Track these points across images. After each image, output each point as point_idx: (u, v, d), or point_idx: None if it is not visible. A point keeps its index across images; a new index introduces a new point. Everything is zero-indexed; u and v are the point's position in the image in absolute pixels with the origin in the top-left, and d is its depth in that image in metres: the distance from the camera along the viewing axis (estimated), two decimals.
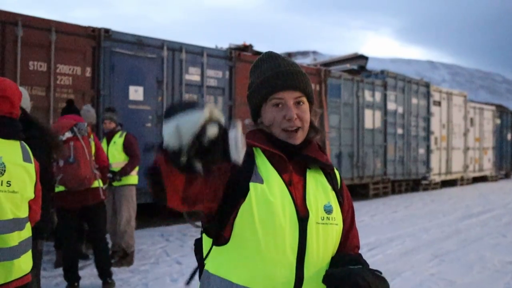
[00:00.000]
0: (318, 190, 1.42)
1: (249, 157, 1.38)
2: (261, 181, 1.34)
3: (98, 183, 4.45)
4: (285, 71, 1.42)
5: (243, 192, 1.32)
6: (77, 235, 4.84)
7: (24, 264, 2.13)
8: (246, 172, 1.34)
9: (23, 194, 2.15)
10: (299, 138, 1.41)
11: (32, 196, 2.22)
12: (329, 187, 1.44)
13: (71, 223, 4.50)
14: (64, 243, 4.53)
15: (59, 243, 5.49)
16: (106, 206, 4.98)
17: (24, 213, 2.17)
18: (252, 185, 1.33)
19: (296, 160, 1.43)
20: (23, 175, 2.14)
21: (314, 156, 1.44)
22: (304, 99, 1.43)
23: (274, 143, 1.42)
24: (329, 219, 1.38)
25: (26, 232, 2.18)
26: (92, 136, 4.53)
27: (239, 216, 1.31)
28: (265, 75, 1.43)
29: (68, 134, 4.17)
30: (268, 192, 1.33)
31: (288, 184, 1.38)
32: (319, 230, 1.36)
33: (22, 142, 2.23)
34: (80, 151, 4.19)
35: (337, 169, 1.56)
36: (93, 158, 4.48)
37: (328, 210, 1.40)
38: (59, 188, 4.30)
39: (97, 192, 4.44)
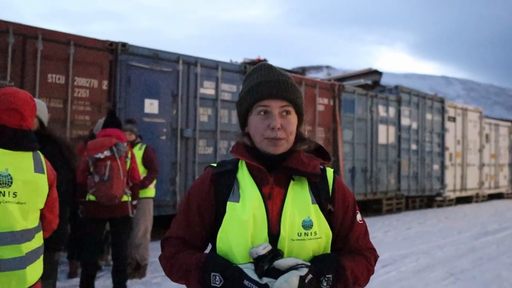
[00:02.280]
0: (297, 204, 1.40)
1: (231, 174, 1.45)
2: (237, 200, 1.39)
3: (127, 198, 4.53)
4: (273, 80, 1.41)
5: (224, 212, 1.39)
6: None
7: (30, 274, 2.11)
8: (225, 192, 1.42)
9: (31, 204, 2.15)
10: (280, 148, 1.39)
11: (42, 206, 2.22)
12: (310, 200, 1.41)
13: (97, 232, 4.60)
14: (87, 251, 4.58)
15: (72, 253, 5.54)
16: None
17: (32, 223, 2.17)
18: (229, 204, 1.39)
19: (278, 171, 1.41)
20: (33, 186, 2.15)
21: (296, 166, 1.40)
22: (291, 109, 1.42)
23: (254, 155, 1.42)
24: (307, 235, 1.37)
25: (36, 242, 2.18)
26: (129, 155, 4.62)
27: (219, 233, 1.38)
28: (253, 83, 1.43)
29: (107, 153, 4.32)
30: (242, 210, 1.37)
31: (268, 197, 1.39)
32: (293, 246, 1.36)
33: (37, 152, 2.25)
34: (116, 171, 4.33)
35: (334, 172, 1.53)
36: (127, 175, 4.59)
37: (306, 225, 1.38)
38: (90, 197, 4.44)
39: (125, 206, 4.53)
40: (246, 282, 1.25)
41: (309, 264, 1.31)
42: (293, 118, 1.42)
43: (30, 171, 2.17)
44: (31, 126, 2.30)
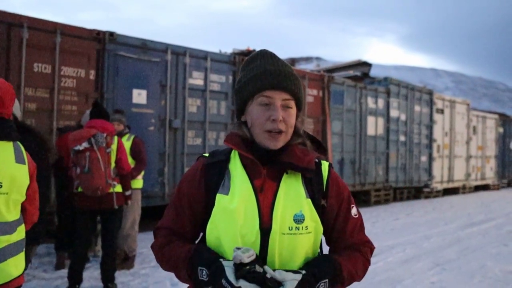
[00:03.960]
0: (289, 198, 1.36)
1: (222, 165, 1.42)
2: (227, 192, 1.37)
3: (113, 190, 4.49)
4: (277, 70, 1.37)
5: (213, 204, 1.38)
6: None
7: (12, 268, 2.06)
8: (216, 183, 1.39)
9: (13, 195, 2.09)
10: (280, 142, 1.36)
11: (23, 198, 2.17)
12: (303, 194, 1.38)
13: (87, 223, 4.59)
14: (76, 242, 4.57)
15: (60, 244, 5.50)
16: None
17: (14, 215, 2.11)
18: (218, 196, 1.37)
19: (271, 164, 1.38)
20: (14, 176, 2.09)
21: (290, 160, 1.37)
22: (293, 103, 1.38)
23: (249, 147, 1.39)
24: (298, 229, 1.34)
25: (17, 235, 2.12)
26: (113, 146, 4.55)
27: (208, 225, 1.37)
28: (256, 72, 1.38)
29: (85, 145, 4.29)
30: (231, 202, 1.35)
31: (260, 190, 1.36)
32: (284, 240, 1.33)
33: (17, 143, 2.17)
34: (95, 162, 4.29)
35: (331, 166, 1.48)
36: (113, 166, 4.53)
37: (298, 219, 1.34)
38: (79, 189, 4.45)
39: (111, 198, 4.49)
40: (223, 282, 1.24)
41: (302, 273, 1.29)
42: (294, 111, 1.38)
43: (11, 161, 2.10)
44: (11, 115, 2.22)
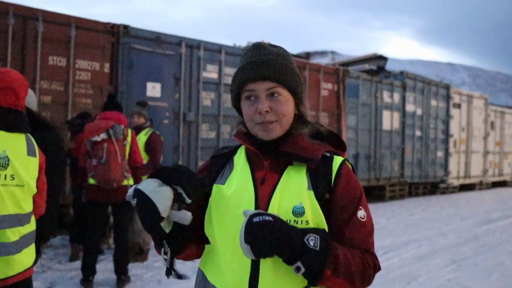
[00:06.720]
0: (289, 189, 1.26)
1: (226, 158, 1.40)
2: (223, 182, 1.33)
3: (127, 182, 4.49)
4: (256, 61, 1.29)
5: (210, 195, 1.34)
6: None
7: (25, 258, 2.11)
8: (216, 174, 1.37)
9: (28, 187, 2.13)
10: (273, 132, 1.29)
11: (35, 190, 2.20)
12: (305, 185, 1.27)
13: (99, 216, 4.60)
14: (88, 234, 4.58)
15: (74, 236, 5.55)
16: None
17: (28, 207, 2.15)
18: (214, 187, 1.34)
19: (273, 156, 1.31)
20: (27, 169, 2.13)
21: (291, 151, 1.29)
22: (281, 89, 1.29)
23: (251, 139, 1.34)
24: (297, 223, 1.22)
25: (30, 226, 2.16)
26: (128, 138, 4.55)
27: (206, 217, 1.34)
28: (239, 68, 1.34)
29: (103, 136, 4.30)
30: (226, 193, 1.30)
31: (261, 182, 1.29)
32: None
33: (28, 135, 2.21)
34: (113, 153, 4.30)
35: (347, 160, 1.36)
36: (126, 158, 4.53)
37: (297, 212, 1.23)
38: (91, 181, 4.45)
39: (125, 190, 4.49)
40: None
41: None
42: (285, 98, 1.30)
43: (24, 153, 2.14)
44: (24, 107, 2.26)
